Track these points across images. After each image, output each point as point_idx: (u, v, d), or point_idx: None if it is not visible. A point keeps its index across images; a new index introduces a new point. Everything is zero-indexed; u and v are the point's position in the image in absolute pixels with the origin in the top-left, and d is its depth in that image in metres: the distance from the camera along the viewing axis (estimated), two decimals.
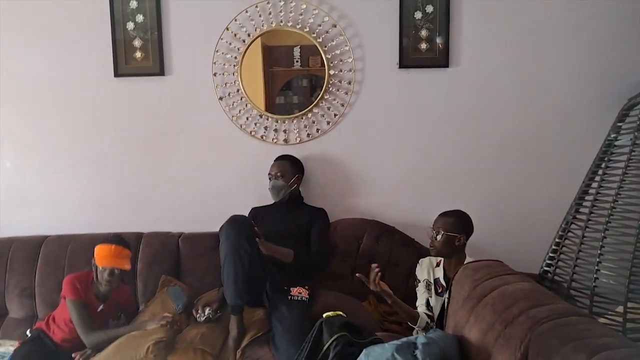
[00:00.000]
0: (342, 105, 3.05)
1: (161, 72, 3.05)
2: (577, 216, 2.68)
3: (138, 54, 3.04)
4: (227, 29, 3.01)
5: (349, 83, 3.03)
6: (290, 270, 2.73)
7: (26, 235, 3.05)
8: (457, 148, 3.07)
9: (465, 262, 2.34)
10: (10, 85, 3.12)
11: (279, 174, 2.93)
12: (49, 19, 3.06)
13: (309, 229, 2.93)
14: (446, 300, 2.21)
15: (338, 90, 3.05)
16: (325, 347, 1.92)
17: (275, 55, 3.13)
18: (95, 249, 2.52)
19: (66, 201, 3.19)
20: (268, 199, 3.00)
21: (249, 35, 3.02)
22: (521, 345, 1.52)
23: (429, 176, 3.10)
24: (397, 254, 2.96)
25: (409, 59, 3.00)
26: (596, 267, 2.44)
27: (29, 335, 2.55)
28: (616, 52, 2.94)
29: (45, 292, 2.86)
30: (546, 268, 2.74)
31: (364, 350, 1.81)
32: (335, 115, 3.06)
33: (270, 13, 3.00)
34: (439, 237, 2.45)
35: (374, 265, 2.41)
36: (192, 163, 3.15)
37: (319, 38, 2.99)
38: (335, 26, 2.99)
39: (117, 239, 2.56)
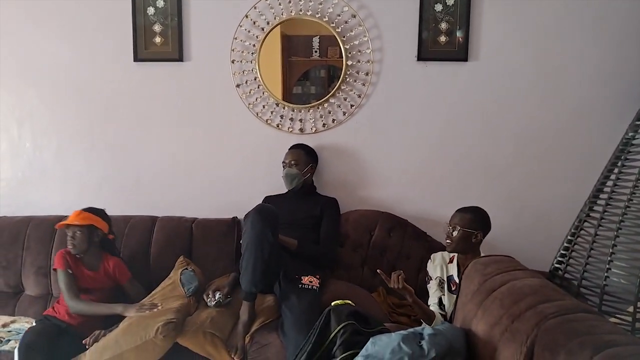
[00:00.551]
0: (359, 96, 3.05)
1: (180, 58, 3.07)
2: (591, 214, 2.65)
3: (158, 39, 3.07)
4: (247, 16, 3.01)
5: (367, 74, 3.03)
6: (302, 259, 2.75)
7: (43, 215, 3.11)
8: (472, 143, 3.06)
9: None
10: (32, 69, 3.17)
11: (293, 162, 2.94)
12: (71, 4, 3.10)
13: (320, 218, 2.94)
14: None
15: (355, 81, 3.05)
16: (332, 335, 1.93)
17: (294, 44, 3.14)
18: None
19: (83, 183, 3.24)
20: (281, 188, 3.02)
21: (268, 23, 3.02)
22: (527, 339, 1.52)
23: (443, 171, 3.10)
24: (409, 247, 2.97)
25: (427, 51, 2.99)
26: (607, 266, 2.42)
27: (35, 324, 2.60)
28: (636, 51, 2.90)
29: None
30: (557, 265, 2.73)
31: (370, 339, 1.82)
32: (351, 106, 3.06)
33: (290, 1, 3.00)
34: (455, 233, 2.43)
35: (398, 271, 2.35)
36: (207, 149, 3.18)
37: (338, 28, 2.99)
38: (354, 16, 2.98)
39: (86, 208, 2.68)
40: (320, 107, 3.09)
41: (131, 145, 3.21)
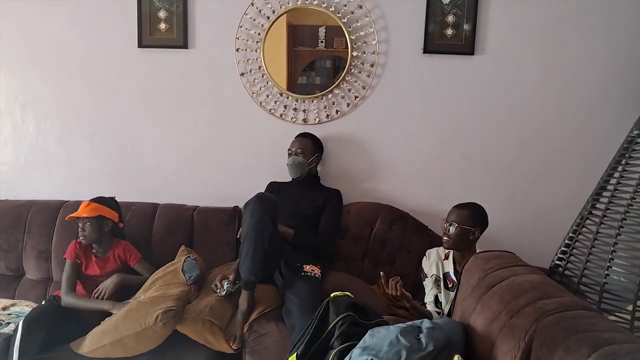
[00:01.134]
0: (364, 87, 3.04)
1: (184, 45, 3.06)
2: (593, 212, 2.64)
3: (162, 26, 3.05)
4: (253, 4, 3.00)
5: (372, 65, 3.01)
6: (299, 249, 2.76)
7: (45, 199, 3.11)
8: (476, 138, 3.05)
9: None
10: (36, 52, 3.16)
11: (299, 150, 2.94)
12: None
13: (322, 209, 2.94)
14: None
15: (360, 72, 3.04)
16: (330, 326, 1.94)
17: (300, 34, 3.12)
18: None
19: (85, 168, 3.24)
20: (284, 177, 3.02)
21: (273, 12, 3.01)
22: (526, 335, 1.52)
23: (446, 165, 3.09)
24: (410, 240, 2.96)
25: (433, 44, 2.97)
26: (608, 264, 2.41)
27: (43, 302, 2.63)
28: None
29: (62, 255, 2.87)
30: (557, 262, 2.72)
31: (369, 331, 1.82)
32: (355, 97, 3.05)
33: None
34: (453, 230, 2.41)
35: (395, 278, 2.36)
36: (210, 138, 3.17)
37: (344, 18, 2.97)
38: (361, 7, 2.96)
39: (95, 198, 2.71)
40: (324, 98, 3.07)
41: (134, 132, 3.20)
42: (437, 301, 2.50)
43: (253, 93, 3.09)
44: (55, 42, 3.14)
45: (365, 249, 2.97)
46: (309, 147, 2.96)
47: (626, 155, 2.60)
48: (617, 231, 2.43)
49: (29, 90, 3.20)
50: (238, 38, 3.04)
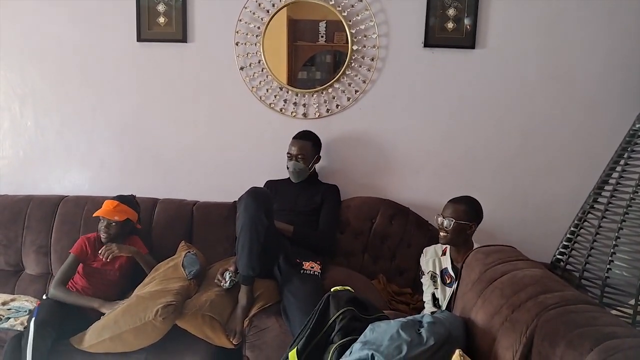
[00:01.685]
0: (364, 81, 3.02)
1: (183, 39, 3.04)
2: (595, 206, 2.63)
3: (161, 20, 3.04)
4: None
5: (372, 59, 3.00)
6: (299, 245, 2.75)
7: (44, 194, 3.11)
8: (478, 132, 3.03)
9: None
10: (35, 45, 3.15)
11: (300, 156, 2.89)
12: None
13: (321, 205, 2.93)
14: (454, 289, 2.18)
15: (360, 66, 3.02)
16: (331, 321, 1.93)
17: (300, 29, 3.11)
18: None
19: (85, 163, 3.24)
20: (283, 172, 3.00)
21: (273, 5, 2.99)
22: (527, 329, 1.51)
23: (447, 159, 3.07)
24: (410, 235, 2.95)
25: (434, 38, 2.95)
26: (610, 258, 2.40)
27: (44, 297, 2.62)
28: None
29: (61, 250, 2.91)
30: (559, 256, 2.71)
31: (369, 326, 1.81)
32: (356, 91, 3.04)
33: None
34: (449, 225, 2.37)
35: None
36: (210, 132, 3.16)
37: (344, 12, 2.95)
38: (361, 0, 2.94)
39: (120, 197, 2.73)
40: (324, 92, 3.06)
41: (132, 126, 3.19)
42: (434, 299, 2.48)
43: (253, 87, 3.07)
44: (54, 36, 3.12)
45: (365, 244, 2.96)
46: (310, 151, 2.92)
47: (628, 149, 2.58)
48: (619, 225, 2.41)
49: (27, 84, 3.19)
50: (237, 32, 3.02)
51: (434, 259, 2.53)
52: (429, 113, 3.04)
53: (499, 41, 2.94)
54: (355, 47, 2.98)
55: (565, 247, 2.69)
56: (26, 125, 3.22)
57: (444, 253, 2.51)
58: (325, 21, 3.04)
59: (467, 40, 2.94)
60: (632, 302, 2.30)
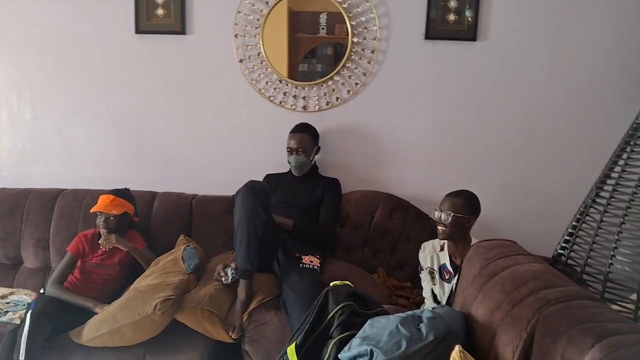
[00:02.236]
0: (364, 74, 2.99)
1: (182, 31, 3.02)
2: (597, 200, 2.60)
3: (160, 11, 3.01)
4: None
5: (373, 52, 2.97)
6: (299, 239, 2.73)
7: (42, 187, 3.09)
8: (479, 125, 3.01)
9: (471, 245, 2.27)
10: (33, 37, 3.12)
11: (300, 150, 2.88)
12: None
13: (321, 199, 2.92)
14: (453, 285, 2.16)
15: (361, 58, 2.99)
16: (330, 315, 1.91)
17: (301, 20, 3.08)
18: None
19: (84, 156, 3.22)
20: (283, 165, 2.99)
21: None
22: (528, 325, 1.49)
23: (448, 153, 3.06)
24: (410, 229, 2.94)
25: (435, 30, 2.93)
26: (612, 253, 2.38)
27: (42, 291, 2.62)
28: None
29: (60, 243, 2.90)
30: (560, 251, 2.69)
31: (368, 321, 1.79)
32: (356, 84, 3.01)
33: None
34: (447, 219, 2.35)
35: None
36: (209, 124, 3.14)
37: (345, 3, 2.93)
38: None
39: (115, 191, 2.73)
40: (324, 85, 3.03)
41: (131, 119, 3.17)
42: (433, 294, 2.46)
43: (252, 80, 3.05)
44: (52, 27, 3.10)
45: (365, 238, 2.95)
46: (309, 143, 2.91)
47: (631, 143, 2.55)
48: (621, 220, 2.39)
49: (25, 76, 3.17)
50: (237, 24, 2.99)
51: (432, 254, 2.51)
52: (429, 106, 3.02)
53: (501, 33, 2.91)
54: (355, 40, 2.96)
55: (566, 241, 2.67)
56: (24, 118, 3.21)
57: (442, 249, 2.49)
58: (326, 13, 3.01)
59: (468, 32, 2.91)
60: (634, 297, 2.28)
